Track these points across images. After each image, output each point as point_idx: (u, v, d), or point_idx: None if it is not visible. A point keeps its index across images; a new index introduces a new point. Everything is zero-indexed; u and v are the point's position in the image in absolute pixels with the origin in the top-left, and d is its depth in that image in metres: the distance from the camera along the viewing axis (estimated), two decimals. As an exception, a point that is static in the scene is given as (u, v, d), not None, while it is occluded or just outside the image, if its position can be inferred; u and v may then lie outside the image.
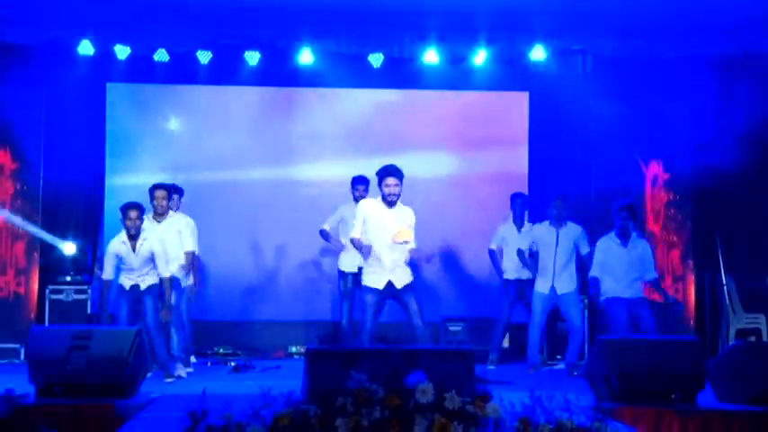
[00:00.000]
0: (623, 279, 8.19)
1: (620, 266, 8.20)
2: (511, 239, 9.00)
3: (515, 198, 9.16)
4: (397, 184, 7.31)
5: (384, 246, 7.33)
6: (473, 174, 10.09)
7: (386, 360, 4.27)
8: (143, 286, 7.63)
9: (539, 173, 10.27)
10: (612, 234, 8.30)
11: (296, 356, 9.41)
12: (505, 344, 9.31)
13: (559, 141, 10.19)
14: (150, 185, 8.20)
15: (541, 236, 8.63)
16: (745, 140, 9.66)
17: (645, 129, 9.92)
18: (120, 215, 7.66)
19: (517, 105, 10.50)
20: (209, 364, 8.94)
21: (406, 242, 7.30)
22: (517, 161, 10.30)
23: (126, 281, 7.65)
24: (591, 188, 10.12)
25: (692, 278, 9.94)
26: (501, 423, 3.97)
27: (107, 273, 7.63)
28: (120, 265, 7.61)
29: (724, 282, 9.58)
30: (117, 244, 7.62)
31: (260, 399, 4.03)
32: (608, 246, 8.27)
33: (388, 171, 7.35)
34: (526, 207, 9.17)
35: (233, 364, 8.51)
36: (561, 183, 9.93)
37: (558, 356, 9.41)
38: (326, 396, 4.02)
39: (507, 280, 9.00)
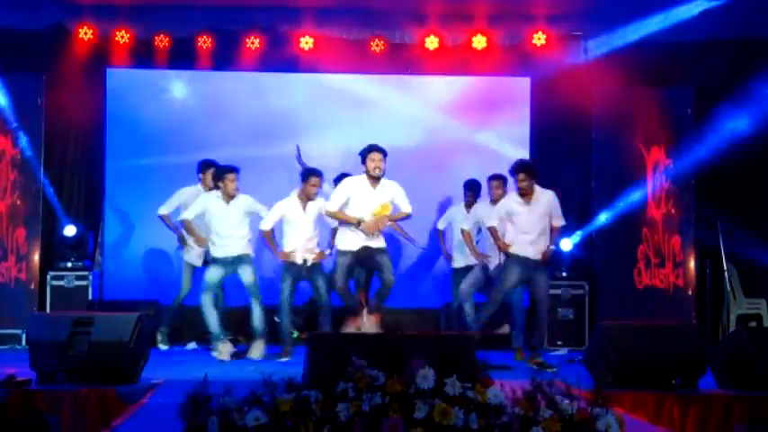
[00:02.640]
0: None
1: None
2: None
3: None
4: (381, 159, 7.55)
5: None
6: (474, 159, 10.07)
7: (387, 345, 4.27)
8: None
9: (540, 158, 10.24)
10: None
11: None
12: (505, 330, 9.28)
13: (561, 127, 10.17)
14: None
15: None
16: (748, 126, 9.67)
17: (646, 114, 9.89)
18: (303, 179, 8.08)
19: (518, 91, 10.47)
20: (210, 349, 8.93)
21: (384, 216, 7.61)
22: (518, 146, 10.28)
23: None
24: (592, 174, 10.10)
25: (693, 264, 9.94)
26: (502, 409, 3.97)
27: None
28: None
29: (725, 267, 9.58)
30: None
31: (261, 384, 4.03)
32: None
33: (372, 147, 7.61)
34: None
35: (234, 349, 8.50)
36: (562, 168, 9.93)
37: (559, 342, 9.43)
38: (327, 382, 4.03)
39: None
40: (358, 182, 7.72)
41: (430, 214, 9.83)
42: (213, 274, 8.26)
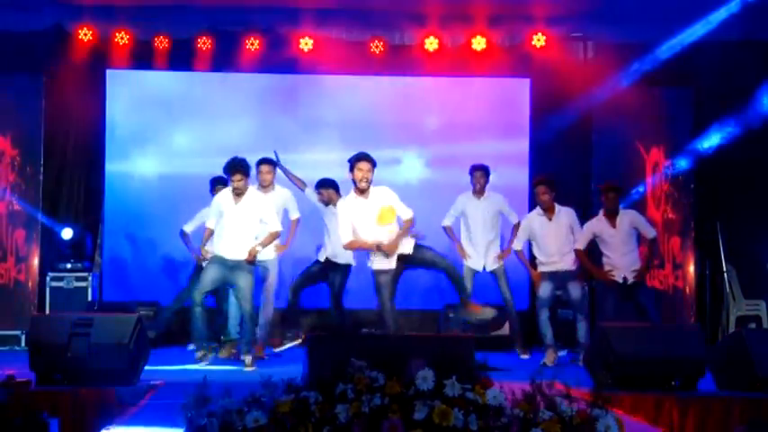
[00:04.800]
0: None
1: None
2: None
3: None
4: (370, 170, 7.07)
5: (378, 234, 7.14)
6: (473, 160, 10.06)
7: (386, 347, 4.27)
8: None
9: (540, 159, 10.26)
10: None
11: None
12: (505, 330, 9.29)
13: (561, 128, 10.17)
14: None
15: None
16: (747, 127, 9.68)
17: (646, 114, 9.90)
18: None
19: (518, 92, 10.48)
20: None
21: (390, 224, 7.17)
22: (518, 147, 10.29)
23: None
24: (592, 174, 10.11)
25: (692, 265, 9.94)
26: (501, 410, 3.97)
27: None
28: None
29: (724, 269, 9.58)
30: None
31: (260, 386, 4.03)
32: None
33: (362, 156, 7.11)
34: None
35: (233, 351, 8.50)
36: (562, 169, 9.93)
37: (559, 343, 9.41)
38: (327, 383, 4.02)
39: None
40: (348, 201, 7.23)
41: (430, 215, 9.80)
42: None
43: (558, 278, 8.23)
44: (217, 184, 8.61)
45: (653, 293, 8.15)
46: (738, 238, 9.70)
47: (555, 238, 8.20)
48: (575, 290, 8.16)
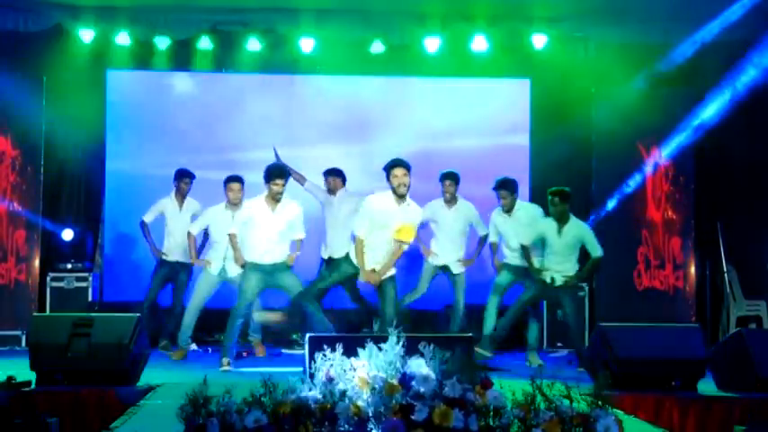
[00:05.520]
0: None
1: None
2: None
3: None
4: (405, 174, 6.99)
5: (384, 240, 7.16)
6: (473, 161, 10.07)
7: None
8: None
9: (540, 159, 10.26)
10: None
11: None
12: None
13: (561, 128, 10.17)
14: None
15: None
16: (747, 126, 9.67)
17: (646, 115, 9.90)
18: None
19: (519, 92, 10.47)
20: (209, 350, 8.95)
21: (401, 242, 7.13)
22: (518, 148, 10.29)
23: None
24: (592, 175, 10.10)
25: (692, 265, 9.94)
26: (501, 410, 3.97)
27: None
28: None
29: (725, 269, 9.58)
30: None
31: (261, 386, 4.03)
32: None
33: (396, 162, 7.04)
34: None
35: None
36: (562, 169, 9.92)
37: (559, 344, 9.42)
38: (325, 383, 4.02)
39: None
40: (383, 199, 7.14)
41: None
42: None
43: (521, 273, 8.35)
44: (183, 177, 8.92)
45: (575, 303, 8.16)
46: (739, 239, 9.70)
47: (515, 235, 8.30)
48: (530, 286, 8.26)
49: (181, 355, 8.39)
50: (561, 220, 7.91)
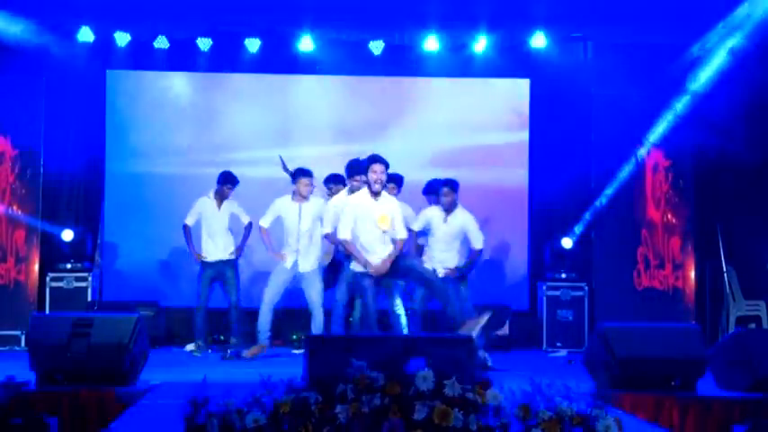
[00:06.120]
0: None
1: None
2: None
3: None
4: (383, 171, 7.29)
5: (375, 237, 7.34)
6: (473, 161, 10.07)
7: (386, 347, 4.27)
8: None
9: (539, 160, 10.26)
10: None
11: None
12: (506, 331, 9.28)
13: (560, 128, 10.17)
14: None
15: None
16: (747, 126, 9.67)
17: (646, 116, 9.90)
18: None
19: (518, 92, 10.47)
20: (209, 351, 8.94)
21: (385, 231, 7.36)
22: (518, 148, 10.29)
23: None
24: (591, 175, 10.11)
25: (692, 265, 9.94)
26: (501, 410, 3.97)
27: None
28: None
29: (724, 269, 9.59)
30: None
31: (260, 386, 4.03)
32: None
33: (376, 158, 7.33)
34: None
35: (228, 351, 8.51)
36: (562, 170, 9.94)
37: (558, 343, 9.42)
38: (327, 383, 4.03)
39: None
40: (359, 198, 7.43)
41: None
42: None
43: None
44: (227, 182, 8.84)
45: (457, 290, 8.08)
46: (738, 239, 9.70)
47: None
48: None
49: (257, 351, 8.31)
50: (449, 210, 8.09)
